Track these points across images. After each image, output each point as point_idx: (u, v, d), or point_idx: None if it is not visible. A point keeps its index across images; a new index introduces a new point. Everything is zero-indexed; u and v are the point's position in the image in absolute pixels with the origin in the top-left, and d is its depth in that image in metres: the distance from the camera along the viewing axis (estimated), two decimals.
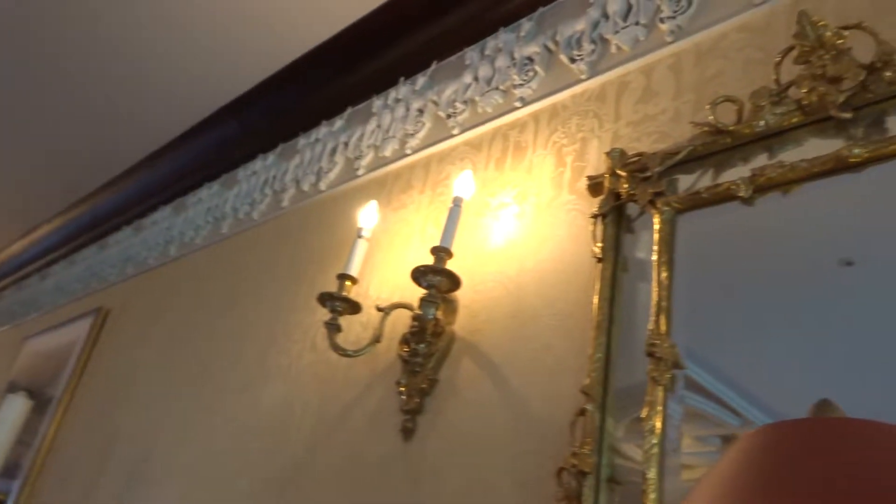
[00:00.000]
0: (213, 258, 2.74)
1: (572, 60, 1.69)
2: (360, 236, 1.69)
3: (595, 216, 1.39)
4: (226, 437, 2.03)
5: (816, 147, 1.18)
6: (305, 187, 2.41)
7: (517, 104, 1.78)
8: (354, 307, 1.63)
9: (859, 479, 0.54)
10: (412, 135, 2.05)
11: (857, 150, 1.10)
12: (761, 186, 1.19)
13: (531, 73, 1.78)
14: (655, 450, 1.09)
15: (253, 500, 1.80)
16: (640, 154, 1.38)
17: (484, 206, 1.70)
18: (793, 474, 0.56)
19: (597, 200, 1.42)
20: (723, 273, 1.26)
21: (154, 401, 2.49)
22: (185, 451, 2.16)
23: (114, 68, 2.85)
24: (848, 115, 1.15)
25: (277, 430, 1.86)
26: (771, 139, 1.24)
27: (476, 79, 1.94)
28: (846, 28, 1.17)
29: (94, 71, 2.89)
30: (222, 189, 2.92)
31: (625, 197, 1.36)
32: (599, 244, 1.36)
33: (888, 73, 1.12)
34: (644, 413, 1.12)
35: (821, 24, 1.19)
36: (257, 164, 2.75)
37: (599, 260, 1.34)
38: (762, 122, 1.24)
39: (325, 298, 1.62)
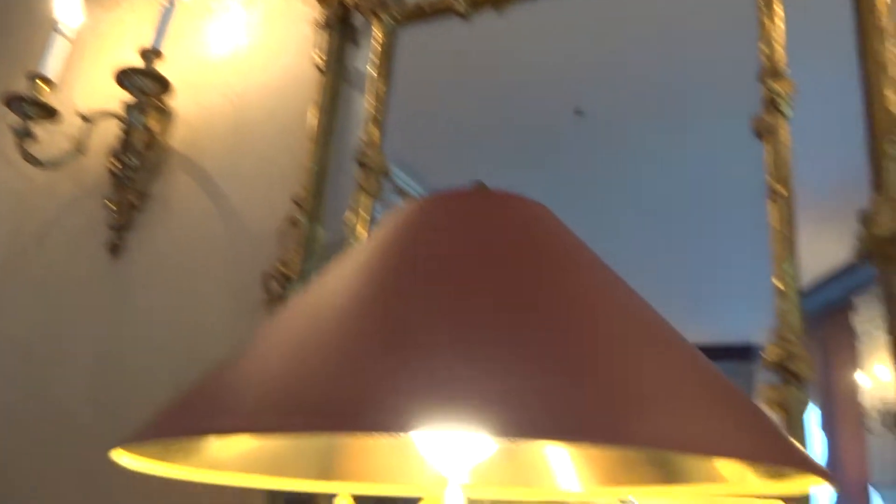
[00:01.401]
0: None
1: None
2: (56, 31, 1.47)
3: (320, 26, 1.33)
4: None
5: None
6: None
7: None
8: (49, 112, 1.44)
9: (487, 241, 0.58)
10: None
11: None
12: (476, 2, 1.20)
13: None
14: None
15: None
16: None
17: (207, 12, 1.55)
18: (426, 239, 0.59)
19: (324, 10, 1.35)
20: (444, 91, 1.29)
21: None
22: None
23: None
24: None
25: None
26: None
27: None
28: None
29: None
30: None
31: (351, 8, 1.31)
32: (323, 55, 1.31)
33: None
34: (350, 219, 1.14)
35: None
36: None
37: (322, 71, 1.30)
38: None
39: (12, 100, 1.40)
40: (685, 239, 1.09)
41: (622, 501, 0.90)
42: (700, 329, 0.84)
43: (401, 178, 1.20)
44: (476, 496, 0.69)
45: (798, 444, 0.49)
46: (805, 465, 0.47)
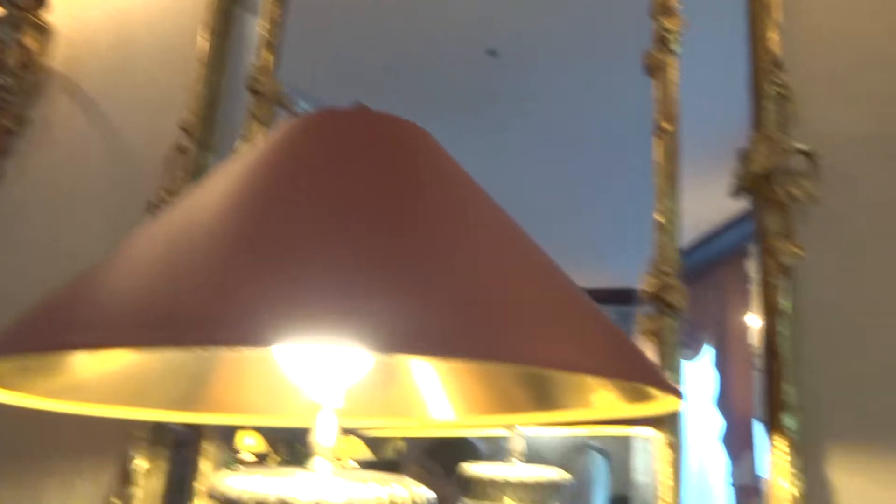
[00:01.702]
0: None
1: None
2: None
3: None
4: None
5: None
6: None
7: None
8: None
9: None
10: None
11: None
12: None
13: None
14: None
15: None
16: None
17: None
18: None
19: None
20: (346, 14, 1.24)
21: None
22: None
23: None
24: None
25: None
26: None
27: None
28: None
29: None
30: None
31: None
32: None
33: None
34: (241, 147, 1.09)
35: None
36: None
37: None
38: None
39: None
40: (578, 182, 1.10)
41: (509, 428, 0.92)
42: (587, 273, 0.85)
43: (302, 107, 1.16)
44: (350, 426, 0.69)
45: (654, 364, 0.51)
46: (658, 384, 0.48)
